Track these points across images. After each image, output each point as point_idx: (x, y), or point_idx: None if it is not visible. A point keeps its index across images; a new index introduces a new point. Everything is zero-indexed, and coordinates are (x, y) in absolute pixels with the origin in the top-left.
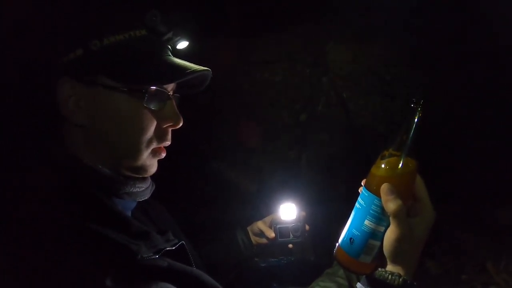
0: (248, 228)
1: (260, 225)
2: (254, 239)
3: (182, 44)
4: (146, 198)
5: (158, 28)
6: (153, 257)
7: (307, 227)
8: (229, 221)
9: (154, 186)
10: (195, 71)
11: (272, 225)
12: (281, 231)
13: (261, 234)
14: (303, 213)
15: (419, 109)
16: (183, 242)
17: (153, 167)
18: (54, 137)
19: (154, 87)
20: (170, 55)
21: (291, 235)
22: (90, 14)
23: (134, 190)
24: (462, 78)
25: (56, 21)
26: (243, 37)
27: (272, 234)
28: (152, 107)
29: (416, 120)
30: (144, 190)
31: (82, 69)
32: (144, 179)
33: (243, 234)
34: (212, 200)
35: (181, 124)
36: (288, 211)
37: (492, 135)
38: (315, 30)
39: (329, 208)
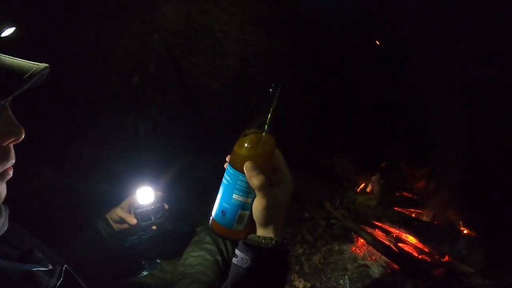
0: (107, 216)
1: (119, 212)
2: (115, 226)
3: (8, 31)
4: (6, 228)
5: None
6: None
7: (166, 206)
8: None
9: (8, 210)
10: (33, 75)
11: (132, 210)
12: (142, 215)
13: (121, 220)
14: (160, 193)
15: (276, 94)
16: (65, 266)
17: (4, 191)
18: None
19: None
20: None
21: (152, 217)
22: None
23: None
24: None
25: None
26: None
27: (133, 221)
28: None
29: (273, 103)
30: (4, 221)
31: None
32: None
33: (104, 224)
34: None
35: (23, 136)
36: (145, 195)
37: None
38: None
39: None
